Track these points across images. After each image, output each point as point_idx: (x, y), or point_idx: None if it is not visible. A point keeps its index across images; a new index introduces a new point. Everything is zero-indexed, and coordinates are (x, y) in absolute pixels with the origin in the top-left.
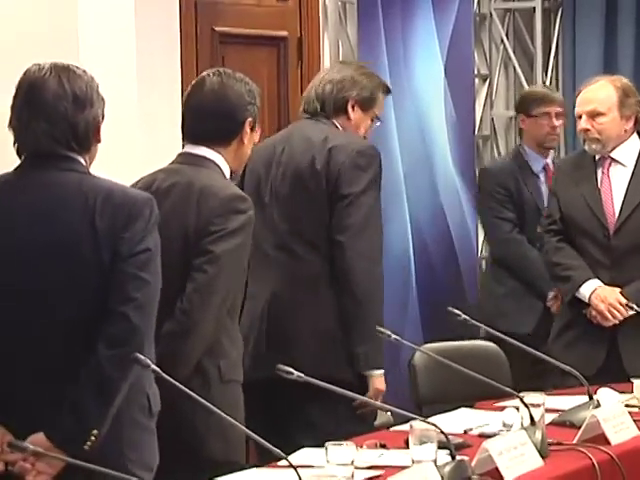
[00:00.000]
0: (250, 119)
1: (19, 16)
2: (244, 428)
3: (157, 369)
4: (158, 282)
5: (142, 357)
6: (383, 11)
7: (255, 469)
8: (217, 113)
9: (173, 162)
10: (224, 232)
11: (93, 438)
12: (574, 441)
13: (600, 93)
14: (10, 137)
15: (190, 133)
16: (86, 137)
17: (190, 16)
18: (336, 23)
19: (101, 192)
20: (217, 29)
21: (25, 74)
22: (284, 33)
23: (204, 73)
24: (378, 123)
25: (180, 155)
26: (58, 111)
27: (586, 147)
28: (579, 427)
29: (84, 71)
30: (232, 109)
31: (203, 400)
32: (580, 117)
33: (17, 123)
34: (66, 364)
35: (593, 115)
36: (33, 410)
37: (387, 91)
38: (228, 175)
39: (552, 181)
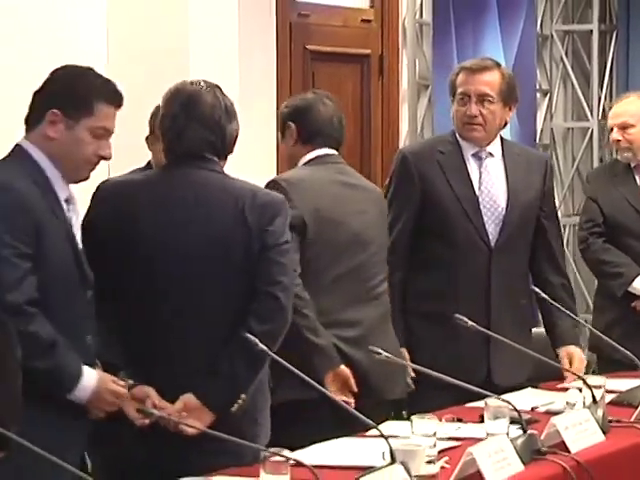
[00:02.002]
0: None
1: (136, 39)
2: (338, 399)
3: (264, 348)
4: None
5: (251, 336)
6: (456, 32)
7: (346, 438)
8: None
9: None
10: None
11: (241, 402)
12: (632, 419)
13: (630, 107)
14: None
15: None
16: (230, 145)
17: (285, 36)
18: (413, 42)
19: (247, 194)
20: (309, 47)
21: (179, 88)
22: (367, 51)
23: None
24: None
25: None
26: (214, 120)
27: (619, 156)
28: (636, 406)
29: None
30: None
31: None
32: (612, 129)
33: (171, 128)
34: (216, 336)
35: (624, 127)
36: (185, 377)
37: None
38: None
39: (587, 189)
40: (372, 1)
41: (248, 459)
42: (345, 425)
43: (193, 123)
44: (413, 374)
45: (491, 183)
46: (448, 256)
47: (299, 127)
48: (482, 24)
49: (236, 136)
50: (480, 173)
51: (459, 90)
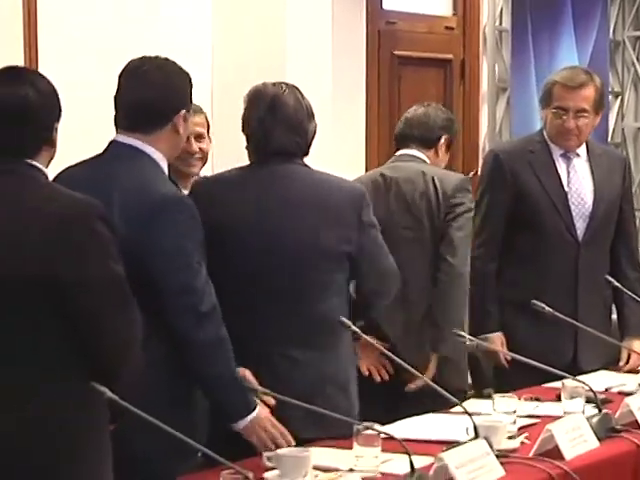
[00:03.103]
0: None
1: (238, 46)
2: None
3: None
4: None
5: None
6: (533, 38)
7: (432, 414)
8: None
9: None
10: None
11: None
12: None
13: None
14: None
15: None
16: (310, 143)
17: (374, 42)
18: (493, 48)
19: (334, 183)
20: (396, 53)
21: (262, 90)
22: (450, 56)
23: None
24: None
25: None
26: (298, 121)
27: None
28: None
29: None
30: None
31: None
32: None
33: (258, 130)
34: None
35: None
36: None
37: None
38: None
39: None
40: (455, 9)
41: (341, 431)
42: None
43: (279, 125)
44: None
45: (578, 181)
46: (538, 249)
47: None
48: (558, 31)
49: (314, 134)
50: (568, 172)
51: (555, 104)
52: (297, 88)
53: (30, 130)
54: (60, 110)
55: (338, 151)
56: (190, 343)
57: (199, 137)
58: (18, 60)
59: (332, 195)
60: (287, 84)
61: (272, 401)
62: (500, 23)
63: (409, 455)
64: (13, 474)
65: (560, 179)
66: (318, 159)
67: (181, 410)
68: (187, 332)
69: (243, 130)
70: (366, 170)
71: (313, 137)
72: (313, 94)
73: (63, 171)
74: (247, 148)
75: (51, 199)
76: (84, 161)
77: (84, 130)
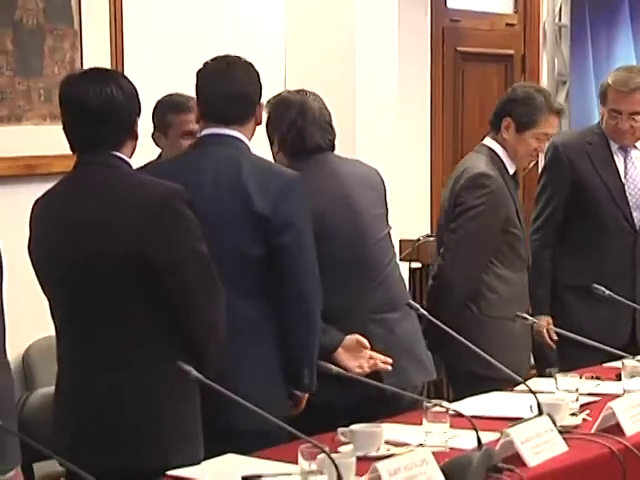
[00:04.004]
0: None
1: (309, 44)
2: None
3: None
4: None
5: None
6: (591, 34)
7: (497, 392)
8: None
9: None
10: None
11: None
12: None
13: None
14: None
15: None
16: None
17: (438, 38)
18: (553, 44)
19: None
20: (459, 49)
21: (288, 97)
22: (511, 52)
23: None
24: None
25: None
26: (325, 120)
27: None
28: None
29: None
30: None
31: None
32: None
33: (291, 131)
34: None
35: None
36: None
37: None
38: None
39: None
40: (516, 7)
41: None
42: None
43: (311, 125)
44: (555, 337)
45: (636, 172)
46: (597, 236)
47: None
48: (615, 26)
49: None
50: (625, 163)
51: (610, 106)
52: (317, 95)
53: (115, 124)
54: (140, 106)
55: (403, 144)
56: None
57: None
58: (105, 58)
59: (375, 174)
60: (307, 91)
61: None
62: (559, 19)
63: (476, 431)
64: (107, 427)
65: (617, 171)
66: (383, 152)
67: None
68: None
69: (274, 132)
70: (431, 163)
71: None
72: (380, 90)
73: (154, 166)
74: (277, 149)
75: (139, 186)
76: (177, 157)
77: None
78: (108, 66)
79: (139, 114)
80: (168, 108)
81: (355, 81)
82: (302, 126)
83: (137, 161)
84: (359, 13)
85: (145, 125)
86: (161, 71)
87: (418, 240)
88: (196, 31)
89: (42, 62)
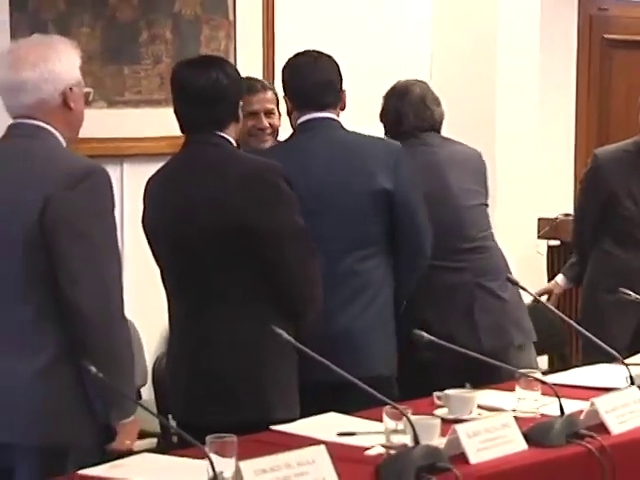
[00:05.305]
0: None
1: (455, 36)
2: None
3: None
4: None
5: None
6: None
7: (588, 366)
8: None
9: None
10: None
11: None
12: None
13: None
14: None
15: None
16: (438, 124)
17: (586, 27)
18: None
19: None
20: (606, 36)
21: (397, 85)
22: None
23: None
24: None
25: None
26: (425, 105)
27: None
28: None
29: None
30: None
31: None
32: None
33: (394, 114)
34: None
35: None
36: None
37: None
38: None
39: None
40: None
41: None
42: None
43: (407, 110)
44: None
45: None
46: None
47: None
48: None
49: (442, 118)
50: None
51: None
52: (424, 82)
53: (221, 107)
54: (244, 91)
55: (546, 129)
56: None
57: (269, 113)
58: (257, 47)
59: (475, 155)
60: (418, 80)
61: None
62: None
63: (559, 398)
64: (218, 382)
65: None
66: (524, 136)
67: None
68: None
69: (381, 121)
70: (575, 146)
71: (441, 120)
72: (521, 75)
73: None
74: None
75: (241, 163)
76: (286, 141)
77: None
78: (260, 55)
79: (242, 98)
80: None
81: (496, 70)
82: (400, 110)
83: None
84: (502, 4)
85: None
86: None
87: (556, 218)
88: (345, 20)
89: (198, 50)
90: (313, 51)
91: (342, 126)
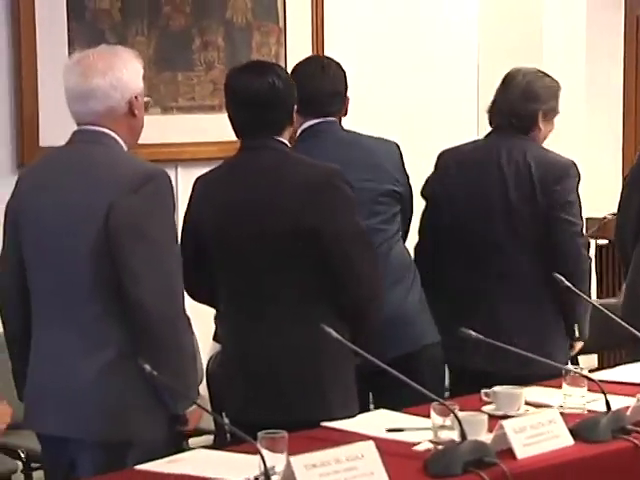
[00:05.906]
0: None
1: (502, 31)
2: None
3: None
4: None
5: None
6: None
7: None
8: None
9: None
10: None
11: None
12: None
13: None
14: None
15: None
16: (529, 121)
17: (632, 27)
18: None
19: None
20: None
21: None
22: None
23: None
24: None
25: None
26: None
27: None
28: None
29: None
30: None
31: None
32: None
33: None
34: None
35: None
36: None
37: None
38: None
39: None
40: None
41: None
42: None
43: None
44: None
45: None
46: None
47: None
48: None
49: (536, 115)
50: None
51: None
52: (541, 72)
53: (276, 112)
54: (296, 96)
55: (594, 131)
56: None
57: None
58: (307, 53)
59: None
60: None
61: None
62: None
63: (604, 394)
64: (275, 381)
65: None
66: (573, 139)
67: None
68: None
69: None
70: (623, 145)
71: (535, 118)
72: (568, 75)
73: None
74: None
75: (300, 167)
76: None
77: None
78: None
79: (296, 102)
80: None
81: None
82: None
83: None
84: (548, 5)
85: None
86: (359, 66)
87: (604, 218)
88: (394, 26)
89: (250, 56)
90: (321, 58)
91: (343, 128)
